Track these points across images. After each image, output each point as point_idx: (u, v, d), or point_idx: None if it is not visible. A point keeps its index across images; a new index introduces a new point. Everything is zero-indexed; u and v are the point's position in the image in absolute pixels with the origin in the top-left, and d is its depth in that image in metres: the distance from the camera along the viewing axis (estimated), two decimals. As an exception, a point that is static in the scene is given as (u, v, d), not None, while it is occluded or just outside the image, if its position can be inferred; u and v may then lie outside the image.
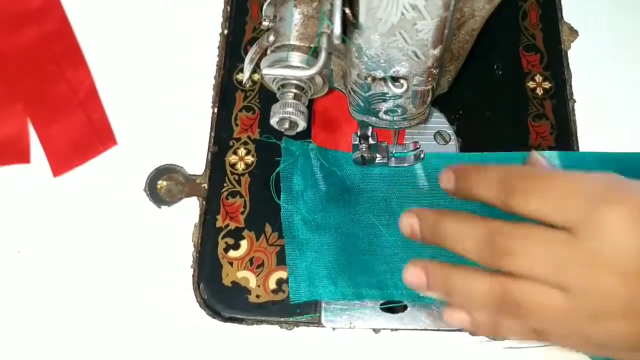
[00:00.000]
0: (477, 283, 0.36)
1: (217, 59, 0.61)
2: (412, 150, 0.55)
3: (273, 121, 0.39)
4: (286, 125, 0.39)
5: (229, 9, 0.64)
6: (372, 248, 0.53)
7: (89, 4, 0.64)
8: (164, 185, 0.57)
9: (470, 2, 0.39)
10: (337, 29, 0.33)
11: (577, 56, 0.61)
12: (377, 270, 0.52)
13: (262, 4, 0.63)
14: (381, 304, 0.52)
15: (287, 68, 0.37)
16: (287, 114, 0.38)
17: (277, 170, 0.55)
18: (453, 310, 0.37)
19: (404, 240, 0.52)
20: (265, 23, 0.40)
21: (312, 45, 0.38)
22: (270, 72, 0.37)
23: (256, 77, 0.59)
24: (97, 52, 0.62)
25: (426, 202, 0.54)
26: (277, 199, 0.54)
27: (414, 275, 0.38)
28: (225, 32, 0.63)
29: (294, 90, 0.38)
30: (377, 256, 0.53)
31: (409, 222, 0.39)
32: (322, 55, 0.36)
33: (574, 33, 0.62)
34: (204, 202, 0.56)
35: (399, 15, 0.35)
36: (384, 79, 0.41)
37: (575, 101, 0.59)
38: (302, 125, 0.39)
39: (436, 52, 0.38)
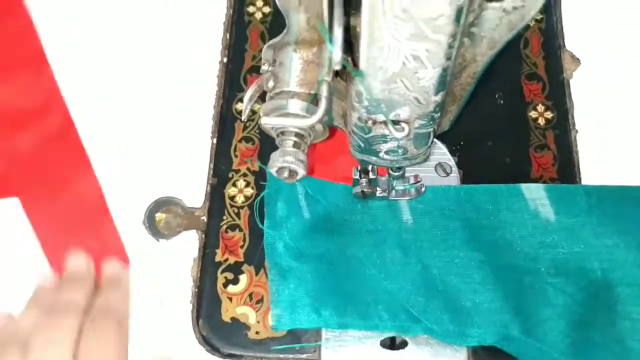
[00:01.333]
0: None
1: (216, 88, 0.61)
2: (413, 184, 0.54)
3: (272, 170, 0.38)
4: (285, 175, 0.38)
5: (228, 37, 0.63)
6: (357, 279, 0.52)
7: (87, 31, 0.64)
8: (162, 217, 0.56)
9: (472, 48, 0.38)
10: (337, 54, 0.32)
11: (579, 85, 0.60)
12: (361, 300, 0.51)
13: (262, 31, 0.64)
14: (381, 341, 0.51)
15: (287, 117, 0.37)
16: (286, 162, 0.37)
17: (261, 194, 0.55)
18: None
19: (388, 272, 0.52)
20: (264, 67, 0.39)
21: (312, 92, 0.37)
22: (270, 122, 0.36)
23: (257, 106, 0.59)
24: (95, 82, 0.62)
25: (409, 236, 0.54)
26: (260, 224, 0.54)
27: None
28: (225, 60, 0.62)
29: (294, 138, 0.38)
30: (361, 287, 0.52)
31: None
32: (323, 104, 0.36)
33: (576, 61, 0.61)
34: (203, 236, 0.55)
35: (400, 65, 0.35)
36: (384, 122, 0.40)
37: (577, 131, 0.58)
38: (301, 174, 0.38)
39: (438, 98, 0.38)
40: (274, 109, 0.37)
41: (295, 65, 0.38)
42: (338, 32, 0.31)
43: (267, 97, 0.38)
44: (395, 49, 0.34)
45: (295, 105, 0.37)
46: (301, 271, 0.52)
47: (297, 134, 0.38)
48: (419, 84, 0.36)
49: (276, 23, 0.64)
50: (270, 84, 0.38)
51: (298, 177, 0.39)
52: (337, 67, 0.31)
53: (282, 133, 0.38)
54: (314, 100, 0.37)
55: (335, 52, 0.30)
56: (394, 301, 0.51)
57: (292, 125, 0.37)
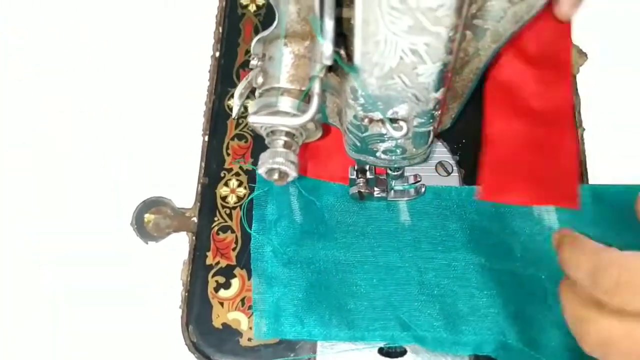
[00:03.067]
0: None
1: (208, 83, 0.58)
2: (413, 184, 0.52)
3: (261, 171, 0.36)
4: (275, 176, 0.36)
5: (220, 30, 0.61)
6: (345, 286, 0.50)
7: (80, 25, 0.61)
8: (151, 219, 0.54)
9: (475, 41, 0.36)
10: (328, 48, 0.30)
11: (586, 81, 0.58)
12: (349, 309, 0.49)
13: (256, 24, 0.61)
14: (379, 349, 0.49)
15: (276, 115, 0.34)
16: (276, 164, 0.35)
17: (249, 197, 0.52)
18: None
19: (378, 279, 0.50)
20: (253, 62, 0.37)
21: (303, 89, 0.35)
22: (258, 121, 0.34)
23: (249, 102, 0.56)
24: (84, 75, 0.59)
25: (407, 238, 0.51)
26: (248, 228, 0.52)
27: None
28: (217, 54, 0.60)
29: (284, 138, 0.35)
30: (349, 295, 0.50)
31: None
32: (315, 101, 0.33)
33: (583, 56, 0.59)
34: (194, 238, 0.53)
35: (397, 60, 0.33)
36: (381, 121, 0.38)
37: (584, 129, 0.56)
38: (292, 175, 0.36)
39: (438, 95, 0.35)
40: (263, 106, 0.35)
41: (285, 60, 0.35)
42: (329, 25, 0.28)
43: (256, 94, 0.36)
44: (392, 42, 0.32)
45: (286, 103, 0.34)
46: (288, 278, 0.50)
47: (287, 134, 0.36)
48: (418, 80, 0.34)
49: (271, 16, 0.59)
50: (260, 79, 0.36)
51: (289, 179, 0.36)
52: (328, 63, 0.29)
53: (272, 132, 0.36)
54: (306, 97, 0.35)
55: (326, 46, 0.28)
56: (386, 308, 0.49)
57: (282, 124, 0.34)
